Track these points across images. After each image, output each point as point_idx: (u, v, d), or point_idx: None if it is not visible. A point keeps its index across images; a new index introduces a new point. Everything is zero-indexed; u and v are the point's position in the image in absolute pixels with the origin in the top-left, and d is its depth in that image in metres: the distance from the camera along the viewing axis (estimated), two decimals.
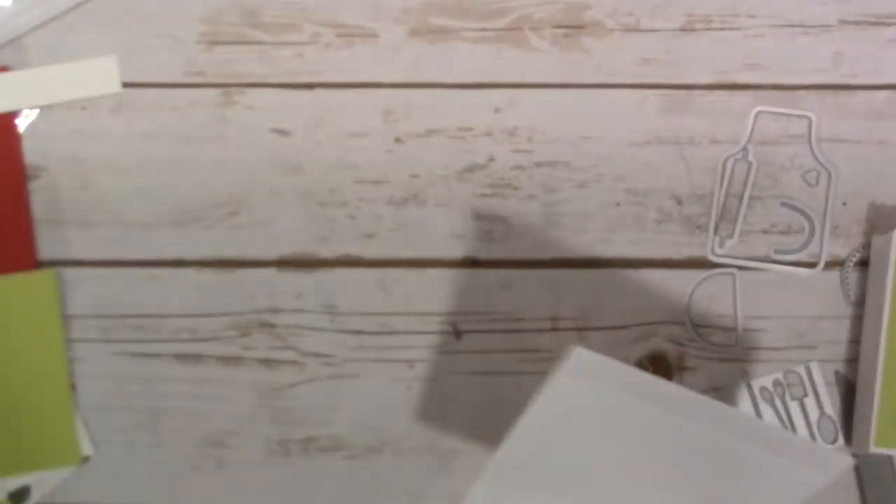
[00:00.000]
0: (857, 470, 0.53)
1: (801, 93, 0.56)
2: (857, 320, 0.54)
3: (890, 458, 0.53)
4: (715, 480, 0.45)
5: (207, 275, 0.55)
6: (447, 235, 0.55)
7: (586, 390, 0.44)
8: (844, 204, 0.55)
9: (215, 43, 0.56)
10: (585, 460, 0.45)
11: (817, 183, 0.55)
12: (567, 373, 0.43)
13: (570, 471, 0.45)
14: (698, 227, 0.55)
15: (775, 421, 0.54)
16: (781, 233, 0.55)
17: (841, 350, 0.55)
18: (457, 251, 0.55)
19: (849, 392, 0.54)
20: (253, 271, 0.55)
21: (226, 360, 0.55)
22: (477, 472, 0.54)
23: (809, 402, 0.54)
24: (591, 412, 0.44)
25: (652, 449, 0.45)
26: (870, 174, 0.55)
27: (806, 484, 0.44)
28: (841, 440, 0.54)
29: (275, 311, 0.55)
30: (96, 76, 0.55)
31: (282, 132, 0.56)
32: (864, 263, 0.55)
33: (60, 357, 0.54)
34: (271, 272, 0.55)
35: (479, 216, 0.55)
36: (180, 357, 0.54)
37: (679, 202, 0.55)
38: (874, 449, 0.51)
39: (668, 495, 0.45)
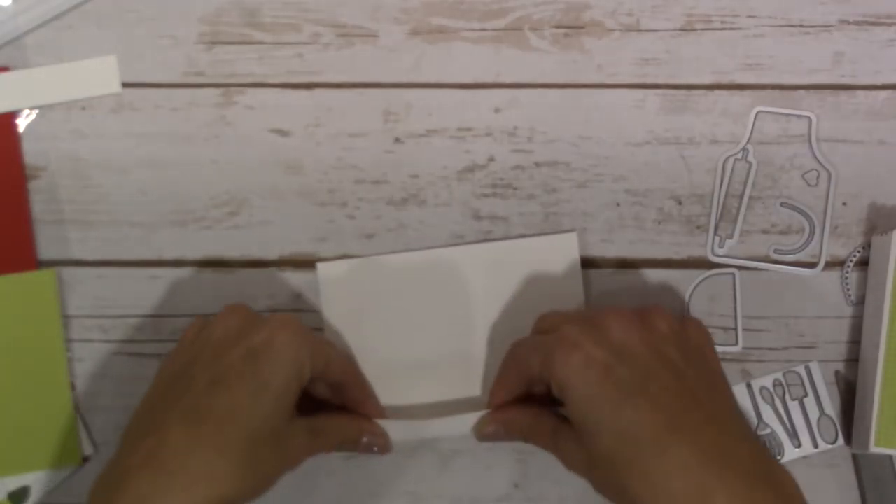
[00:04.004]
0: (857, 470, 0.53)
1: (801, 93, 0.56)
2: (857, 320, 0.54)
3: (890, 458, 0.53)
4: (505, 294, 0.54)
5: (207, 275, 0.55)
6: (447, 235, 0.55)
7: (351, 291, 0.54)
8: (844, 204, 0.55)
9: (215, 43, 0.56)
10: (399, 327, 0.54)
11: (817, 183, 0.55)
12: (326, 285, 0.54)
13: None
14: (698, 227, 0.55)
15: (775, 421, 0.54)
16: (781, 233, 0.55)
17: (841, 350, 0.55)
18: None
19: (849, 392, 0.54)
20: (253, 271, 0.55)
21: None
22: (477, 472, 0.54)
23: (809, 402, 0.54)
24: (368, 302, 0.54)
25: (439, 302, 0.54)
26: (870, 174, 0.55)
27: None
28: (841, 440, 0.54)
29: (275, 311, 0.55)
30: (96, 76, 0.56)
31: (282, 132, 0.56)
32: (864, 263, 0.55)
33: (60, 357, 0.54)
34: (271, 272, 0.55)
35: (479, 216, 0.55)
36: None
37: (679, 202, 0.55)
38: (874, 449, 0.51)
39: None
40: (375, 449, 0.51)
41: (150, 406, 0.45)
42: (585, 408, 0.43)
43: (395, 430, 0.51)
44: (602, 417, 0.42)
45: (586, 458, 0.44)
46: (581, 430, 0.44)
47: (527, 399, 0.50)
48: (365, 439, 0.50)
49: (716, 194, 0.55)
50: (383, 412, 0.52)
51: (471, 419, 0.51)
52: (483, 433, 0.50)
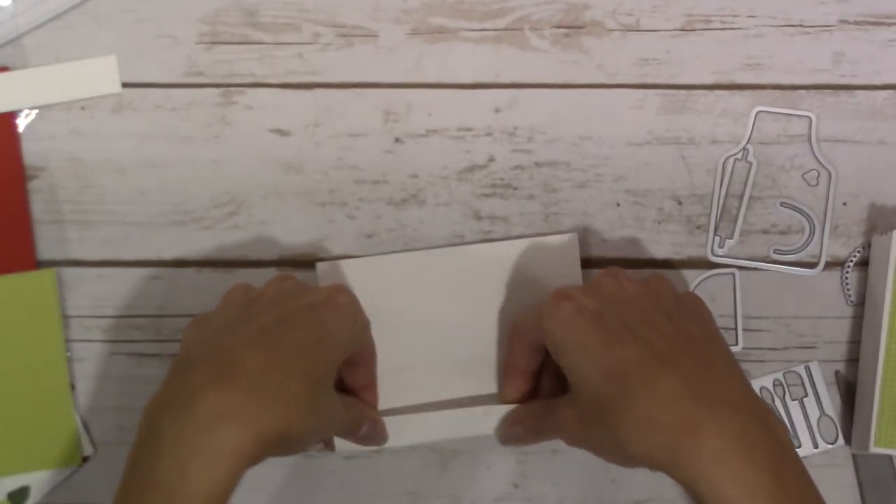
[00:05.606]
0: (857, 470, 0.53)
1: (801, 93, 0.56)
2: (857, 320, 0.54)
3: (890, 458, 0.53)
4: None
5: (207, 275, 0.55)
6: (447, 235, 0.55)
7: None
8: (844, 204, 0.55)
9: (215, 43, 0.56)
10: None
11: (817, 183, 0.55)
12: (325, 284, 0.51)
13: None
14: (698, 227, 0.55)
15: None
16: (781, 233, 0.55)
17: (841, 350, 0.55)
18: None
19: (849, 392, 0.54)
20: (253, 271, 0.55)
21: None
22: (477, 472, 0.54)
23: (809, 402, 0.54)
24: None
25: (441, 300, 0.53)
26: (870, 174, 0.55)
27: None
28: (841, 440, 0.54)
29: None
30: (96, 76, 0.55)
31: (282, 132, 0.56)
32: (864, 263, 0.55)
33: (60, 357, 0.54)
34: (271, 272, 0.55)
35: (479, 216, 0.55)
36: None
37: (679, 202, 0.55)
38: (874, 449, 0.51)
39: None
40: (371, 438, 0.51)
41: (207, 338, 0.44)
42: (575, 354, 0.43)
43: (393, 431, 0.51)
44: (591, 360, 0.42)
45: (576, 415, 0.43)
46: (573, 381, 0.43)
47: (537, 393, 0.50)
48: (365, 428, 0.50)
49: (716, 194, 0.55)
50: (377, 404, 0.52)
51: (468, 418, 0.51)
52: (505, 438, 0.51)
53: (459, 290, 0.53)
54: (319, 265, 0.54)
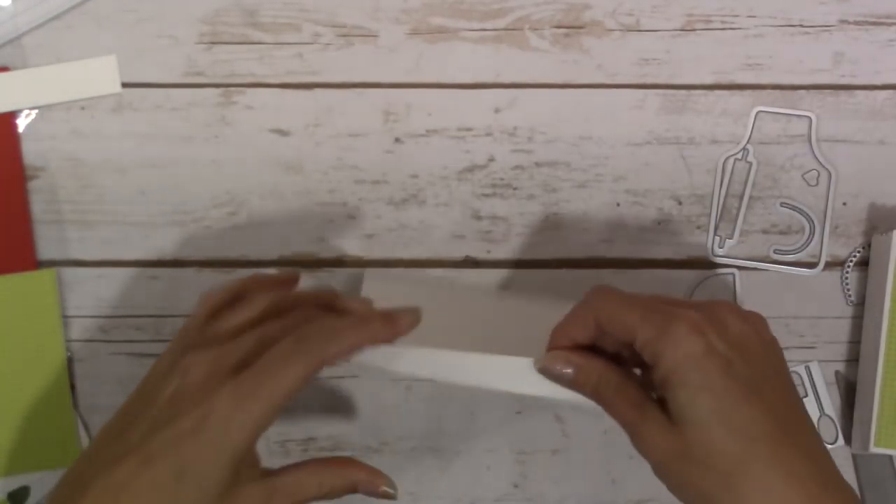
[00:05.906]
0: (857, 470, 0.53)
1: (801, 93, 0.56)
2: (857, 320, 0.54)
3: (890, 458, 0.53)
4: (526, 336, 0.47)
5: (207, 275, 0.55)
6: (447, 235, 0.55)
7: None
8: (844, 204, 0.55)
9: (215, 43, 0.56)
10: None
11: (817, 183, 0.55)
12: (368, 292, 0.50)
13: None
14: (698, 227, 0.55)
15: None
16: (781, 233, 0.55)
17: (841, 350, 0.55)
18: (457, 251, 0.55)
19: (849, 392, 0.54)
20: (253, 271, 0.55)
21: None
22: (477, 472, 0.54)
23: (809, 402, 0.54)
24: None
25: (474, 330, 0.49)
26: (870, 174, 0.55)
27: None
28: (841, 440, 0.54)
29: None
30: (96, 76, 0.55)
31: (282, 132, 0.56)
32: (864, 263, 0.55)
33: (60, 357, 0.54)
34: (271, 272, 0.55)
35: (478, 216, 0.55)
36: None
37: (679, 202, 0.55)
38: (874, 449, 0.51)
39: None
40: (370, 488, 0.46)
41: (83, 458, 0.44)
42: (696, 394, 0.41)
43: (420, 361, 0.47)
44: (714, 407, 0.41)
45: (674, 448, 0.42)
46: (685, 418, 0.42)
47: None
48: (360, 489, 0.45)
49: (716, 194, 0.55)
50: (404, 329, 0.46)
51: (508, 365, 0.46)
52: (549, 368, 0.45)
53: (500, 341, 0.48)
54: (367, 273, 0.53)
